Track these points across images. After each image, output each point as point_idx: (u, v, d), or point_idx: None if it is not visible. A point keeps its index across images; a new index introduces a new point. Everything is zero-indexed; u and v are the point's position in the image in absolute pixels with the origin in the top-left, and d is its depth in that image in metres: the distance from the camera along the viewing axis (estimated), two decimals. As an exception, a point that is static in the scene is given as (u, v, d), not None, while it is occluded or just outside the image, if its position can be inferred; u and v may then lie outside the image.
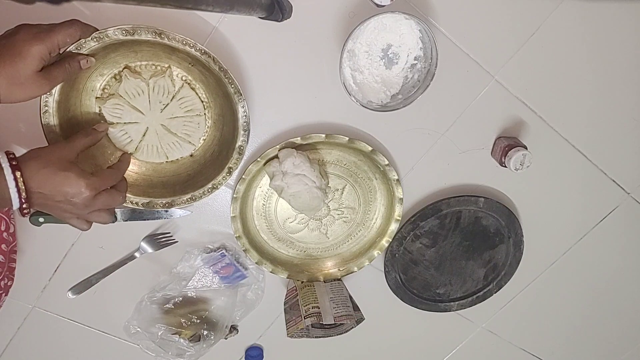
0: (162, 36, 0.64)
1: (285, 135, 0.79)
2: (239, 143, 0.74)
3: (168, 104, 0.73)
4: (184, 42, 0.65)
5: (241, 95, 0.70)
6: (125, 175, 0.74)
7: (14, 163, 0.57)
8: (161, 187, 0.78)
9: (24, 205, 0.57)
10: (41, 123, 0.68)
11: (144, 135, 0.75)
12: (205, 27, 0.71)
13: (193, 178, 0.78)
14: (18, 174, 0.56)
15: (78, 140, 0.65)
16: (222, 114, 0.75)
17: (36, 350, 0.92)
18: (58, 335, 0.91)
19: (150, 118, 0.74)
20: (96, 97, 0.71)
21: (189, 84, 0.73)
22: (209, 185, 0.77)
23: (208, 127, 0.77)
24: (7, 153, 0.57)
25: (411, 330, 1.02)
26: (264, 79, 0.75)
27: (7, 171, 0.56)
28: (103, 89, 0.71)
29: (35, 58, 0.56)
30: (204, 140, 0.77)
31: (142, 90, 0.72)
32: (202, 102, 0.75)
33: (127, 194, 0.76)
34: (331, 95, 0.77)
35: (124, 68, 0.70)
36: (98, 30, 0.63)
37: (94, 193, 0.61)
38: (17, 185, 0.56)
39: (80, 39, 0.62)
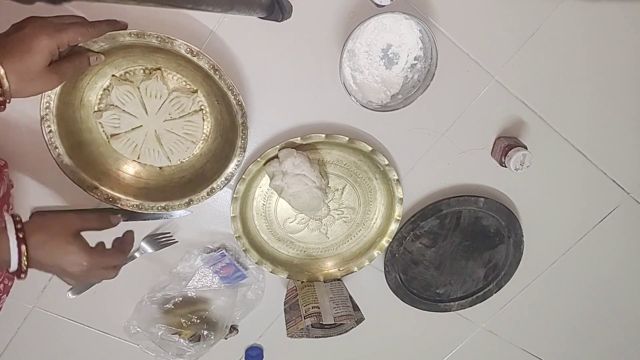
0: (216, 73, 0.67)
1: (285, 135, 0.79)
2: (213, 185, 0.76)
3: (174, 119, 0.74)
4: (229, 87, 0.68)
5: (244, 152, 0.74)
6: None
7: (20, 235, 0.56)
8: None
9: (22, 274, 0.57)
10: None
11: (133, 130, 0.75)
12: (206, 26, 0.71)
13: (151, 190, 0.78)
14: (23, 248, 0.56)
15: (89, 221, 0.64)
16: (214, 153, 0.77)
17: (36, 350, 0.92)
18: (58, 335, 0.91)
19: (150, 120, 0.74)
20: (115, 75, 0.71)
21: (204, 113, 0.75)
22: (162, 204, 0.77)
23: (193, 155, 0.78)
24: (13, 217, 0.57)
25: (411, 330, 1.02)
26: (264, 78, 0.75)
27: (13, 243, 0.55)
28: (124, 72, 0.71)
29: (45, 53, 0.55)
30: (181, 162, 0.78)
31: (160, 95, 0.72)
32: (204, 134, 0.76)
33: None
34: (331, 95, 0.77)
35: (157, 69, 0.71)
36: (116, 25, 0.62)
37: (92, 268, 0.60)
38: (19, 255, 0.55)
39: (92, 38, 0.60)
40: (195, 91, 0.73)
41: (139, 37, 0.63)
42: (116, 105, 0.72)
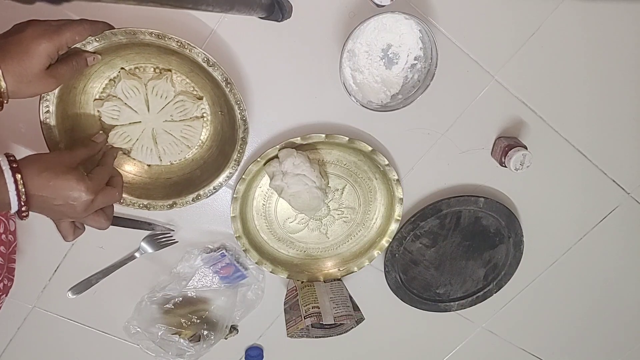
0: (228, 86, 0.68)
1: (285, 135, 0.79)
2: (200, 192, 0.76)
3: (174, 121, 0.74)
4: (237, 102, 0.68)
5: (238, 165, 0.74)
6: None
7: (14, 165, 0.56)
8: None
9: (23, 208, 0.56)
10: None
11: (130, 124, 0.75)
12: (205, 26, 0.71)
13: (134, 185, 0.77)
14: (18, 176, 0.55)
15: (79, 151, 0.65)
16: (205, 161, 0.77)
17: (36, 350, 0.92)
18: (58, 335, 0.91)
19: (150, 118, 0.74)
20: (124, 68, 0.70)
21: (204, 121, 0.75)
22: (145, 202, 0.77)
23: (185, 159, 0.78)
24: (7, 155, 0.57)
25: (411, 330, 1.02)
26: (264, 79, 0.75)
27: (7, 174, 0.55)
28: (134, 67, 0.71)
29: (43, 56, 0.56)
30: (171, 164, 0.78)
31: (166, 96, 0.72)
32: (200, 140, 0.76)
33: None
34: (331, 95, 0.77)
35: (168, 70, 0.71)
36: (112, 26, 0.62)
37: (93, 196, 0.60)
38: (17, 188, 0.55)
39: (89, 37, 0.61)
40: (201, 98, 0.74)
41: (159, 38, 0.63)
42: (119, 98, 0.72)
